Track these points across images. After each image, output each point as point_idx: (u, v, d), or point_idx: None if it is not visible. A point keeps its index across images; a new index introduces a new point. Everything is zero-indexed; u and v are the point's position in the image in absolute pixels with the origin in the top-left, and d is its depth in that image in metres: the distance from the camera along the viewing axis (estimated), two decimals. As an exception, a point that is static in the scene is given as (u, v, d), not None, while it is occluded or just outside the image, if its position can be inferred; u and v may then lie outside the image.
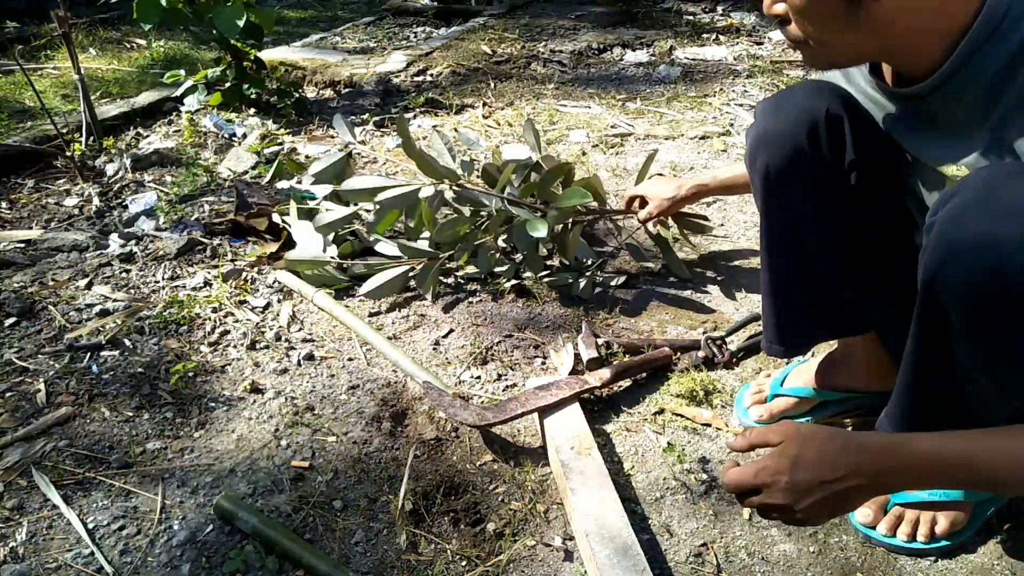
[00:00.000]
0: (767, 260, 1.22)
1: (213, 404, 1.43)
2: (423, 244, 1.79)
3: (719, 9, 4.63)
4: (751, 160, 1.16)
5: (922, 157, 0.98)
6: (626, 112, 2.98)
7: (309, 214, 1.90)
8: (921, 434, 0.80)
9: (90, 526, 1.16)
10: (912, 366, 0.95)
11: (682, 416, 1.38)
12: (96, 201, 2.25)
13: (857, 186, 1.09)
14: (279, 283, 1.81)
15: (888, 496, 1.13)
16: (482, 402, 1.43)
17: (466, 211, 1.74)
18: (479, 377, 1.50)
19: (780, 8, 0.89)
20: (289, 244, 1.90)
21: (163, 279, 1.83)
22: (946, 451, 0.78)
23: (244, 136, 2.71)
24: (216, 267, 1.86)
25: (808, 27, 0.87)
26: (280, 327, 1.65)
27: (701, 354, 1.52)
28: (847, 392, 1.32)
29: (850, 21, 0.83)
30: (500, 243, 1.87)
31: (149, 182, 2.34)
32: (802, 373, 1.36)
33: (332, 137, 2.76)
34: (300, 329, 1.65)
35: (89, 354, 1.55)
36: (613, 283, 1.79)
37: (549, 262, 1.87)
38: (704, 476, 1.25)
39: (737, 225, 2.08)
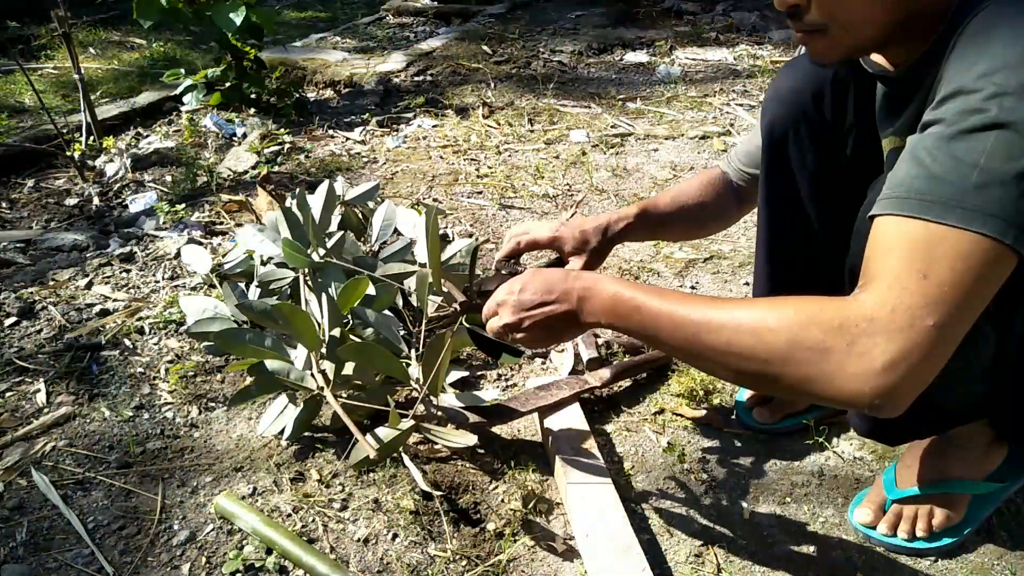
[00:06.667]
0: (763, 224, 1.20)
1: (213, 404, 1.43)
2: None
3: (719, 9, 4.62)
4: (762, 118, 1.15)
5: (880, 128, 1.00)
6: (626, 112, 2.98)
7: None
8: (627, 281, 0.88)
9: (90, 526, 1.16)
10: None
11: (682, 416, 1.38)
12: (96, 201, 2.24)
13: (853, 157, 1.08)
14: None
15: (886, 495, 1.13)
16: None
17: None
18: (482, 375, 1.50)
19: None
20: None
21: (163, 279, 1.83)
22: (624, 293, 0.85)
23: (244, 136, 2.71)
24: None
25: (833, 7, 0.80)
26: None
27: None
28: None
29: None
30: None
31: (149, 182, 2.34)
32: None
33: (332, 137, 2.76)
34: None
35: (89, 354, 1.55)
36: None
37: None
38: (704, 476, 1.25)
39: (737, 225, 2.07)
